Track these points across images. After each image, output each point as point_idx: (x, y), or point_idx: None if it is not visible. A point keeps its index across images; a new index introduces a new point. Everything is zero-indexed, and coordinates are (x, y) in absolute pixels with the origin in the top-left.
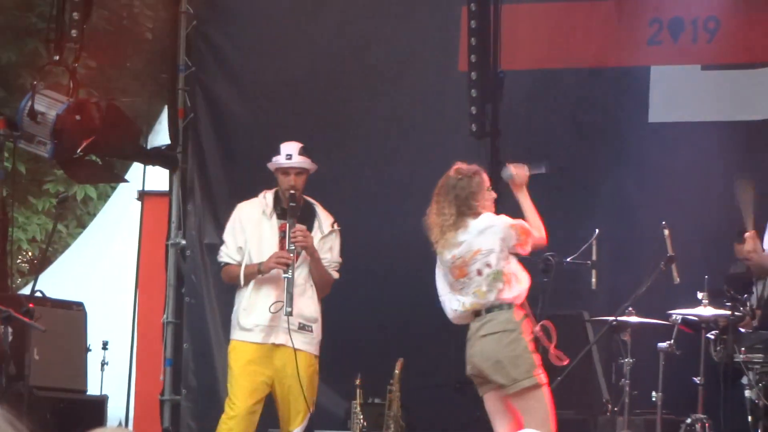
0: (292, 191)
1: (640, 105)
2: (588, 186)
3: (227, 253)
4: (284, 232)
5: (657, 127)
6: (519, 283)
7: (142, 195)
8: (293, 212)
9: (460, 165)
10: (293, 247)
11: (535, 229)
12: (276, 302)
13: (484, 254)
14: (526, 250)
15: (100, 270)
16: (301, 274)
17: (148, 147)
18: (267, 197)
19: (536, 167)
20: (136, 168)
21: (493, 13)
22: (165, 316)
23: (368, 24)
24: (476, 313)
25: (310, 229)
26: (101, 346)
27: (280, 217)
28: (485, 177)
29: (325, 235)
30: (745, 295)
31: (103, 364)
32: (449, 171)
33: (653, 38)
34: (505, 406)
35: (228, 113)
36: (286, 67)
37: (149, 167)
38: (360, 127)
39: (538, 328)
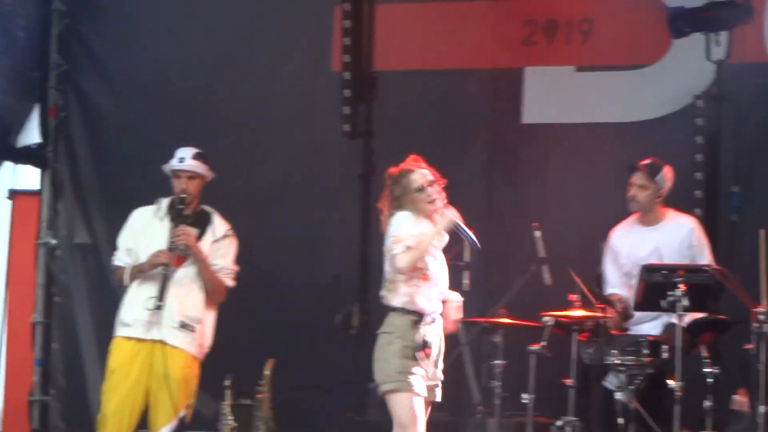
0: (182, 195)
1: (513, 106)
2: (461, 187)
3: (118, 257)
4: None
5: (530, 128)
6: (408, 289)
7: (13, 194)
8: (179, 213)
9: (406, 162)
10: (173, 246)
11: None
12: (151, 298)
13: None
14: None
15: None
16: (188, 274)
17: (19, 146)
18: (163, 202)
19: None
20: (7, 167)
21: (367, 13)
22: (34, 315)
23: (243, 22)
24: None
25: (202, 233)
26: None
27: (172, 221)
28: (416, 177)
29: (217, 240)
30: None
31: None
32: None
33: (528, 39)
34: None
35: (100, 112)
36: (159, 66)
37: (20, 166)
38: (234, 127)
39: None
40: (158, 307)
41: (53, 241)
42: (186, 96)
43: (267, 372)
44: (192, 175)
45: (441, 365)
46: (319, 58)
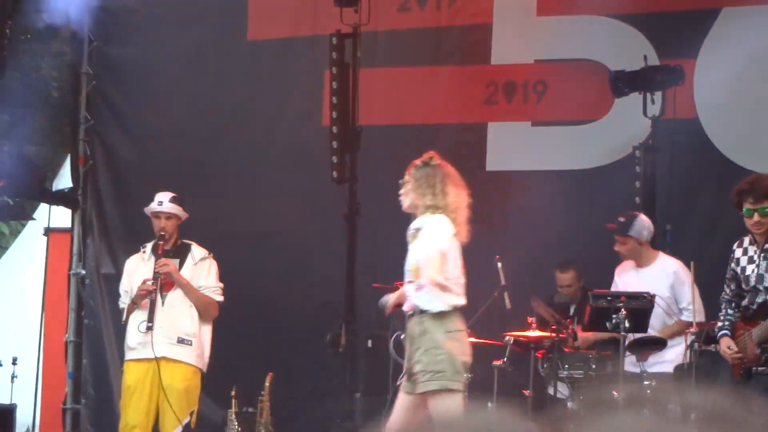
0: (162, 233)
1: (478, 156)
2: None
3: (121, 300)
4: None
5: (493, 175)
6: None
7: (48, 231)
8: (161, 248)
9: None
10: (157, 276)
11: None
12: (142, 321)
13: None
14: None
15: (13, 295)
16: (177, 296)
17: (53, 189)
18: (146, 247)
19: None
20: (43, 208)
21: (351, 76)
22: (67, 335)
23: (245, 83)
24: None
25: (183, 262)
26: (11, 361)
27: (155, 256)
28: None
29: (198, 262)
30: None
31: (13, 377)
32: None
33: (489, 99)
34: None
35: (122, 160)
36: (171, 120)
37: (54, 207)
38: (237, 173)
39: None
40: (149, 328)
41: (83, 272)
42: (195, 145)
43: (267, 384)
44: (169, 216)
45: (416, 357)
46: (310, 114)
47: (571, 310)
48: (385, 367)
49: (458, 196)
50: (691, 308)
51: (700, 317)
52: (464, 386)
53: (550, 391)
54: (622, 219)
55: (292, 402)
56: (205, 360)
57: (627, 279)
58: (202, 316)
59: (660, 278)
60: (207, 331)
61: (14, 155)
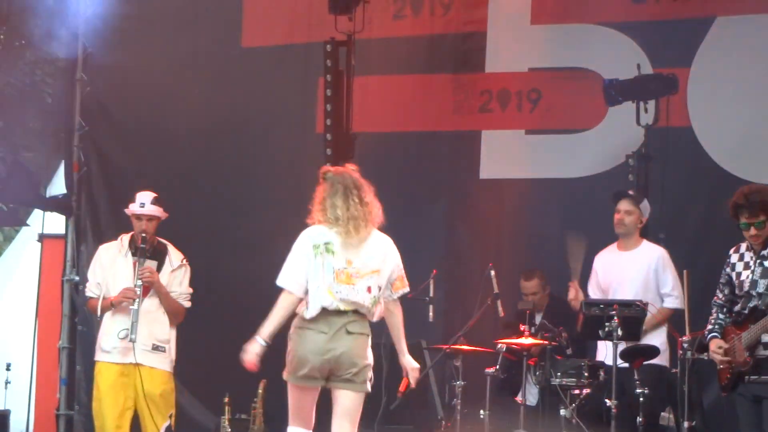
0: (143, 234)
1: (471, 163)
2: (427, 232)
3: (89, 288)
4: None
5: (486, 182)
6: None
7: (42, 237)
8: (143, 252)
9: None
10: (140, 283)
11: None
12: (123, 329)
13: (379, 277)
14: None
15: (6, 301)
16: (153, 303)
17: (48, 196)
18: (123, 239)
19: None
20: (37, 214)
21: (345, 83)
22: (61, 341)
23: (239, 89)
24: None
25: (161, 264)
26: (5, 367)
27: (133, 255)
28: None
29: (175, 269)
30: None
31: (7, 383)
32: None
33: (484, 106)
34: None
35: (116, 167)
36: (165, 127)
37: (48, 213)
38: (231, 179)
39: None
40: (131, 340)
41: (77, 278)
42: (189, 152)
43: (260, 391)
44: (150, 218)
45: None
46: (305, 121)
47: (537, 318)
48: (379, 372)
49: (349, 208)
50: (675, 294)
51: (681, 303)
52: (300, 379)
53: (520, 397)
54: (631, 192)
55: (285, 409)
56: (173, 363)
57: (609, 260)
58: (171, 322)
59: (642, 261)
60: (173, 335)
61: (9, 161)
